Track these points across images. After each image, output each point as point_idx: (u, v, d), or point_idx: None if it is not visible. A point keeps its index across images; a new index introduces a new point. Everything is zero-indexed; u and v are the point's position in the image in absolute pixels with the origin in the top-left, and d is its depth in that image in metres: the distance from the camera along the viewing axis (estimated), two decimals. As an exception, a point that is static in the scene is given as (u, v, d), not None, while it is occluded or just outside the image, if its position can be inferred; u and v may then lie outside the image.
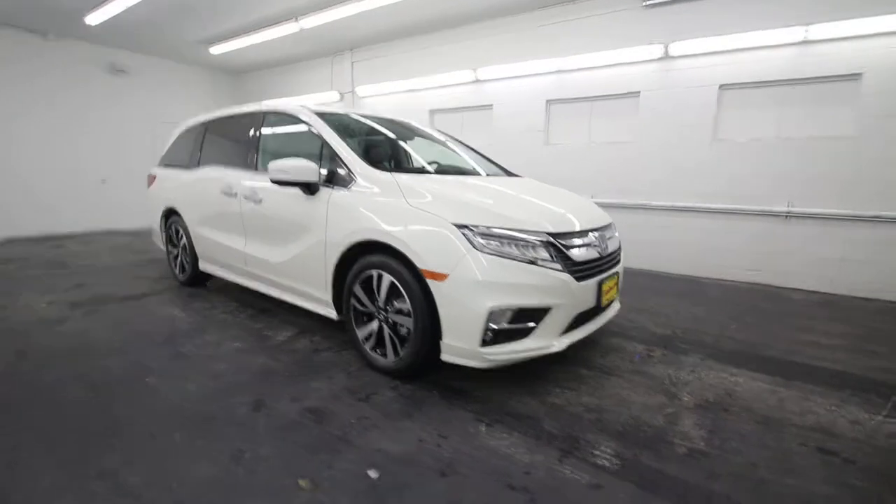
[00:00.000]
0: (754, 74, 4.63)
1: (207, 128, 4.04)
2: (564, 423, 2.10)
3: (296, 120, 3.13)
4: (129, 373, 2.52)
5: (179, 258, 4.38)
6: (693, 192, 5.14)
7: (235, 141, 3.68)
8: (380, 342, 2.53)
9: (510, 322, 2.14)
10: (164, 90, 8.87)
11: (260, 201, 3.14)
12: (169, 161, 4.60)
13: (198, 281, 4.31)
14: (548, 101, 6.00)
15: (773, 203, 4.68)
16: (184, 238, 4.20)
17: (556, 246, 2.23)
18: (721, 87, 4.83)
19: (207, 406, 2.18)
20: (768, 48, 4.50)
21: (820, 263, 4.51)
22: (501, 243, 2.15)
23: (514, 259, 2.14)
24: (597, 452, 1.87)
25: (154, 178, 4.72)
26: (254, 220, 3.25)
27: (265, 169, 3.22)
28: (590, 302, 2.39)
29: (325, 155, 2.86)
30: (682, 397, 2.37)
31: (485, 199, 2.40)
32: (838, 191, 4.37)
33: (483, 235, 2.15)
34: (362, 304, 2.56)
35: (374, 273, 2.44)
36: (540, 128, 6.09)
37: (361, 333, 2.61)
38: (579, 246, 2.35)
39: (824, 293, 4.47)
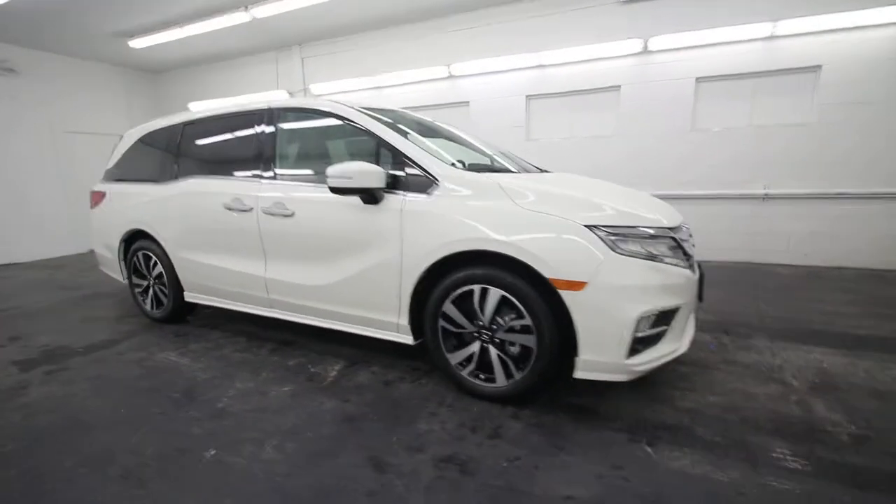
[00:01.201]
0: (728, 67, 4.97)
1: (185, 132, 3.34)
2: (716, 428, 1.98)
3: (326, 116, 2.67)
4: (170, 448, 1.93)
5: (152, 291, 3.60)
6: (676, 180, 5.41)
7: (237, 146, 3.07)
8: (481, 366, 2.22)
9: (651, 327, 1.97)
10: (67, 93, 7.42)
11: (291, 215, 2.63)
12: (124, 174, 3.76)
13: (178, 316, 3.57)
14: (528, 97, 5.95)
15: (751, 187, 5.07)
16: (158, 266, 3.45)
17: (676, 241, 2.11)
18: (698, 79, 5.12)
19: (312, 477, 1.72)
20: (740, 43, 4.84)
21: (795, 239, 4.97)
22: (633, 243, 1.97)
23: (647, 259, 1.97)
24: (776, 455, 1.77)
25: (102, 195, 3.83)
26: (280, 237, 2.72)
27: (288, 177, 2.77)
28: (695, 296, 2.31)
29: (383, 156, 2.47)
30: (791, 382, 2.38)
31: (589, 195, 2.19)
32: (806, 172, 4.85)
33: (616, 236, 1.95)
34: (457, 325, 2.23)
35: (477, 288, 2.13)
36: (520, 123, 6.02)
37: (455, 358, 2.27)
38: (685, 239, 2.25)
39: (804, 266, 4.94)
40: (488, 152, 3.14)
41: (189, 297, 3.39)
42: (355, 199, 2.39)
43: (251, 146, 2.93)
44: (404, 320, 2.39)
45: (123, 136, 3.94)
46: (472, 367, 2.24)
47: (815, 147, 4.77)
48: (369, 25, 6.45)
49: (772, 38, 4.71)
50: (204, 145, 3.27)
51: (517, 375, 2.12)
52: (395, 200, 2.30)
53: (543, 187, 2.19)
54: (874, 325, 3.15)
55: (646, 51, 5.21)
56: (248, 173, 2.90)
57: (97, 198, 3.89)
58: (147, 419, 2.17)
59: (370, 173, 2.21)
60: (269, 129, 2.86)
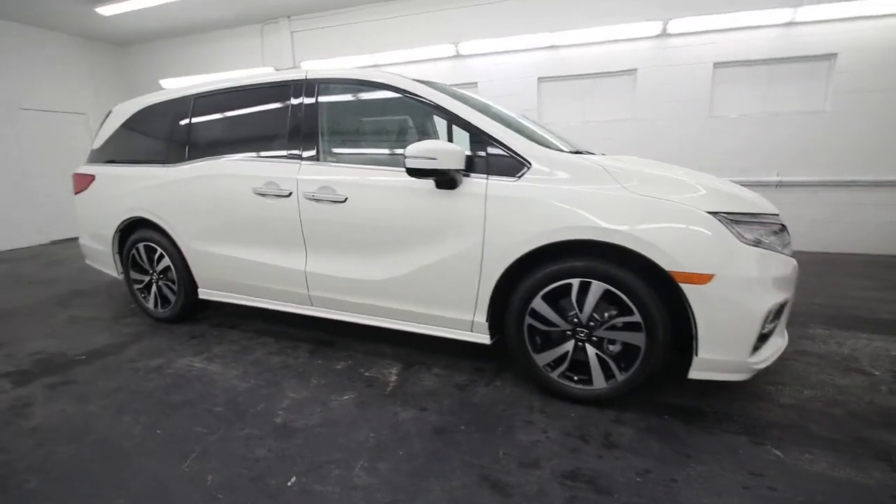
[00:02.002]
0: (745, 53, 4.93)
1: (196, 106, 2.91)
2: (829, 424, 1.87)
3: (381, 89, 2.35)
4: (238, 476, 1.62)
5: (155, 287, 3.17)
6: (691, 166, 5.35)
7: (266, 122, 2.69)
8: (573, 366, 2.03)
9: (770, 321, 1.84)
10: (23, 66, 6.56)
11: (343, 200, 2.31)
12: (117, 155, 3.28)
13: (187, 315, 3.18)
14: (539, 79, 5.73)
15: (765, 174, 5.11)
16: (165, 259, 3.04)
17: (785, 228, 1.98)
18: (715, 64, 5.06)
19: (425, 504, 1.48)
20: (759, 28, 4.81)
21: (810, 226, 5.05)
22: (753, 231, 1.81)
23: (767, 248, 1.82)
24: (910, 454, 1.69)
25: (89, 179, 3.33)
26: (327, 226, 2.40)
27: (337, 158, 2.46)
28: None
29: (450, 135, 2.20)
30: (873, 371, 2.32)
31: (693, 179, 2.01)
32: (818, 160, 4.91)
33: (739, 224, 1.78)
34: (547, 323, 2.02)
35: (575, 282, 1.92)
36: (531, 107, 5.80)
37: (543, 359, 2.07)
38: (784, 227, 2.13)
39: (820, 252, 5.03)
40: (538, 130, 2.92)
41: (204, 293, 3.00)
42: (426, 183, 2.12)
43: (285, 122, 2.57)
44: (481, 317, 2.16)
45: (112, 111, 3.44)
46: (563, 368, 2.04)
47: (827, 135, 4.83)
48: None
49: (791, 24, 4.70)
50: (222, 122, 2.86)
51: (619, 376, 1.94)
52: (475, 184, 2.04)
53: (645, 169, 2.00)
54: (914, 310, 3.20)
55: (664, 34, 5.09)
56: (283, 153, 2.55)
57: (83, 182, 3.39)
58: (195, 441, 1.85)
59: (455, 153, 1.94)
60: (309, 102, 2.50)
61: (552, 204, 1.90)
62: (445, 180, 2.05)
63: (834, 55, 4.67)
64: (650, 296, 1.82)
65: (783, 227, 1.96)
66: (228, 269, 2.80)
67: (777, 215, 1.96)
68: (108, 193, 3.23)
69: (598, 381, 1.98)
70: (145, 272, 3.21)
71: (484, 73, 5.92)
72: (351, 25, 6.38)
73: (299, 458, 1.72)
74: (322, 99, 2.50)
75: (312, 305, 2.62)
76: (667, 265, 1.76)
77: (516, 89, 5.81)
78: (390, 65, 6.27)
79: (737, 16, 4.77)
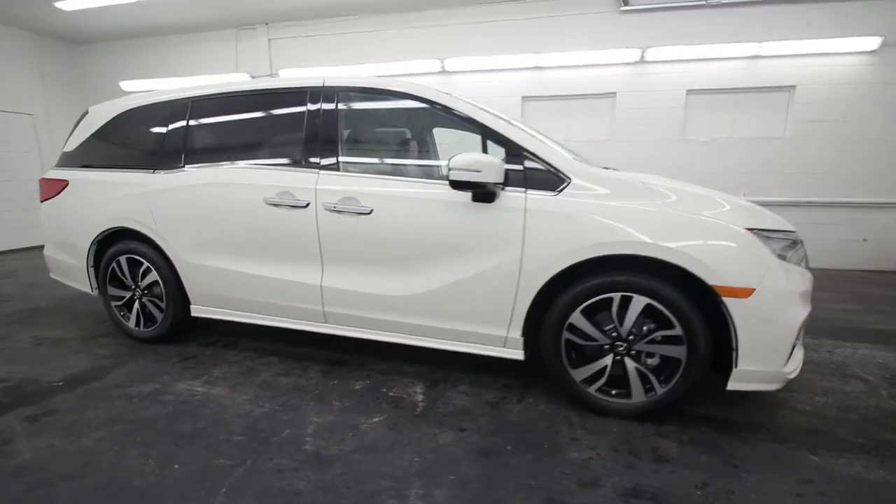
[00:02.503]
0: (714, 82, 5.31)
1: (194, 109, 2.72)
2: (850, 429, 1.98)
3: (407, 99, 2.30)
4: (279, 512, 1.48)
5: (138, 304, 2.89)
6: (665, 186, 5.66)
7: (277, 129, 2.56)
8: (610, 381, 2.03)
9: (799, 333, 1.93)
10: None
11: (367, 213, 2.22)
12: (96, 159, 2.99)
13: (174, 335, 2.91)
14: (524, 98, 5.88)
15: (734, 194, 5.45)
16: (153, 274, 2.78)
17: (802, 244, 2.10)
18: (688, 91, 5.40)
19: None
20: (727, 59, 5.20)
21: (771, 242, 5.43)
22: (784, 247, 1.91)
23: (795, 263, 1.93)
24: (931, 456, 1.81)
25: (61, 185, 3.02)
26: (348, 240, 2.29)
27: (360, 168, 2.38)
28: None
29: (484, 147, 2.18)
30: (867, 377, 2.48)
31: (724, 197, 2.10)
32: (780, 182, 5.33)
33: (771, 239, 1.87)
34: (586, 337, 2.01)
35: (616, 296, 1.93)
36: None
37: (581, 374, 2.05)
38: None
39: (778, 267, 5.40)
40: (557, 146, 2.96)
41: (197, 311, 2.77)
42: (461, 196, 2.08)
43: (300, 130, 2.45)
44: (516, 333, 2.12)
45: (88, 111, 3.15)
46: (601, 382, 2.04)
47: (785, 159, 5.27)
48: (352, 9, 5.95)
49: (755, 57, 5.12)
50: (226, 127, 2.70)
51: (659, 390, 1.96)
52: (514, 198, 2.03)
53: (678, 186, 2.07)
54: (880, 319, 3.48)
55: (642, 60, 5.39)
56: (299, 162, 2.42)
57: (53, 188, 3.06)
58: (221, 475, 1.66)
59: (497, 166, 1.92)
60: (327, 110, 2.40)
61: (595, 219, 1.92)
62: (485, 193, 2.02)
63: (793, 87, 5.13)
64: (692, 310, 1.86)
65: (801, 243, 2.08)
66: (229, 284, 2.60)
67: (794, 231, 2.08)
68: (83, 200, 2.93)
69: (638, 395, 1.99)
70: (126, 288, 2.92)
71: (469, 90, 5.99)
72: (333, 36, 6.28)
73: (345, 488, 1.59)
74: (342, 107, 2.41)
75: (326, 322, 2.48)
76: (711, 280, 1.80)
77: (501, 107, 5.90)
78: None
79: (708, 47, 5.14)
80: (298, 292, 2.45)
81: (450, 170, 1.92)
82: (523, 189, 2.04)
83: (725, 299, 1.80)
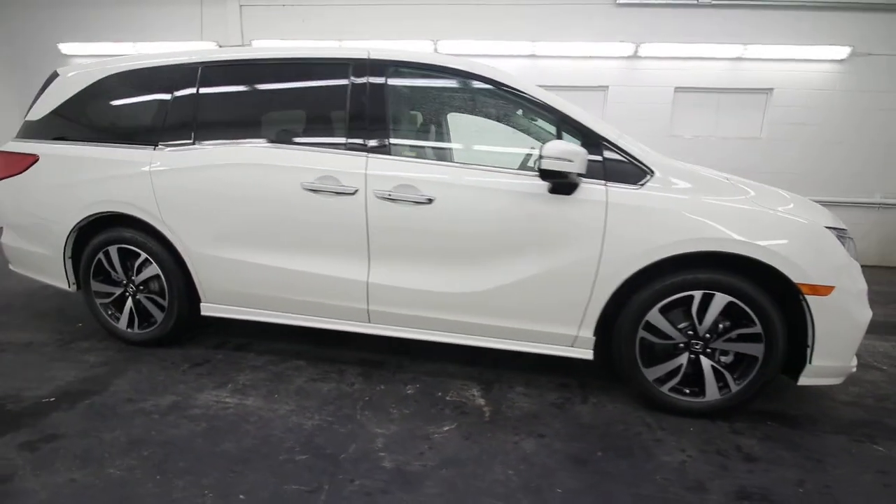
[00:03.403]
0: (701, 80, 5.49)
1: (204, 77, 2.34)
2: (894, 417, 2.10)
3: (468, 78, 2.12)
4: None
5: (131, 302, 2.49)
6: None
7: (312, 105, 2.28)
8: (683, 380, 2.00)
9: (861, 329, 1.99)
10: None
11: (427, 202, 2.01)
12: (72, 132, 2.52)
13: (174, 336, 2.55)
14: (517, 86, 5.77)
15: (713, 190, 5.71)
16: (152, 267, 2.41)
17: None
18: (676, 88, 5.56)
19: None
20: (713, 60, 5.39)
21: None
22: (847, 245, 1.95)
23: (856, 260, 1.98)
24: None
25: (30, 160, 2.51)
26: (403, 231, 2.07)
27: (411, 153, 2.18)
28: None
29: (558, 135, 2.04)
30: (881, 367, 2.67)
31: (780, 191, 2.12)
32: (758, 180, 5.63)
33: (842, 238, 1.91)
34: (663, 336, 1.96)
35: (697, 294, 1.89)
36: (508, 113, 5.83)
37: (654, 373, 2.00)
38: None
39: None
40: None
41: (210, 309, 2.43)
42: (535, 187, 1.94)
43: (341, 107, 2.18)
44: (587, 332, 2.03)
45: (58, 74, 2.64)
46: (675, 381, 2.00)
47: (762, 159, 5.59)
48: (338, -19, 5.54)
49: (739, 59, 5.35)
50: (247, 99, 2.36)
51: (734, 387, 1.95)
52: (594, 191, 1.92)
53: (749, 182, 2.06)
54: (862, 311, 3.78)
55: (635, 55, 5.46)
56: (341, 143, 2.16)
57: (15, 163, 2.55)
58: (298, 503, 1.44)
59: (584, 156, 1.79)
60: (374, 86, 2.14)
61: (682, 214, 1.86)
62: (567, 185, 1.89)
63: (770, 90, 5.42)
64: (772, 308, 1.86)
65: (852, 240, 2.14)
66: (253, 279, 2.29)
67: (846, 230, 2.15)
68: (60, 180, 2.46)
69: (712, 393, 1.98)
70: (115, 283, 2.51)
71: (462, 75, 5.80)
72: (314, 7, 5.81)
73: (454, 514, 1.44)
74: (392, 84, 2.17)
75: (370, 322, 2.26)
76: (796, 278, 1.80)
77: (494, 94, 5.78)
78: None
79: (697, 46, 5.30)
80: (339, 289, 2.21)
81: (541, 158, 1.77)
82: (603, 181, 1.93)
83: (808, 297, 1.82)
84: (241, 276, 2.31)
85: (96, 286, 2.53)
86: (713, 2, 5.18)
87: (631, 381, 2.04)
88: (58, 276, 2.61)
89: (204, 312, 2.45)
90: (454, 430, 1.88)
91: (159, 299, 2.47)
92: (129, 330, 2.54)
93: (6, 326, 2.80)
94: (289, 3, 5.84)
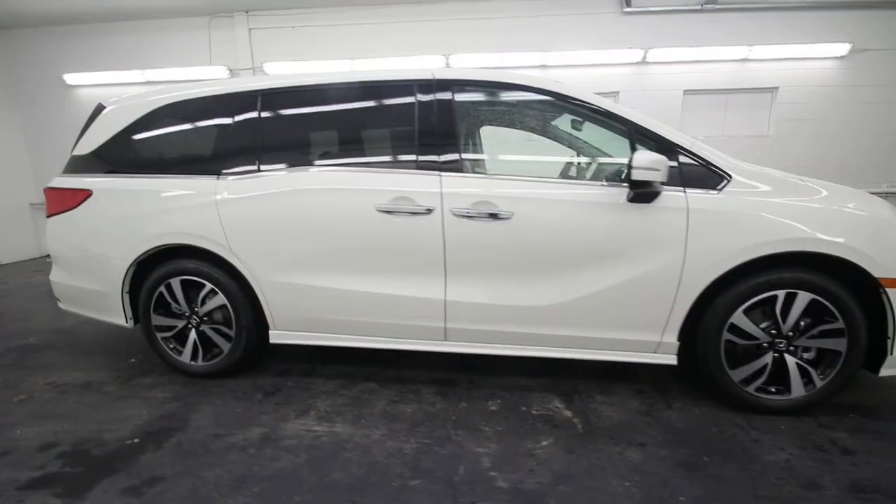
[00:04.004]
0: (708, 82, 5.63)
1: (266, 104, 2.33)
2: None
3: (537, 93, 2.17)
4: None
5: (195, 334, 2.45)
6: (664, 181, 5.93)
7: (377, 128, 2.30)
8: (769, 379, 2.03)
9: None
10: None
11: (507, 217, 2.03)
12: (125, 164, 2.49)
13: (243, 365, 2.51)
14: (529, 96, 5.86)
15: (726, 188, 5.84)
16: (219, 298, 2.37)
17: None
18: (685, 91, 5.69)
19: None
20: (720, 62, 5.54)
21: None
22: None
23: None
24: None
25: (84, 195, 2.47)
26: (483, 248, 2.08)
27: (483, 170, 2.20)
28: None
29: (632, 146, 2.07)
30: None
31: (846, 187, 2.18)
32: (765, 176, 5.78)
33: None
34: (747, 337, 1.99)
35: (781, 294, 1.93)
36: (521, 123, 5.90)
37: (740, 374, 2.03)
38: None
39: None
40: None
41: (279, 336, 2.40)
42: (613, 197, 1.98)
43: (409, 128, 2.20)
44: (671, 337, 2.06)
45: (104, 107, 2.61)
46: (761, 381, 2.03)
47: (770, 155, 5.72)
48: (348, 0, 5.58)
49: (745, 60, 5.50)
50: (309, 124, 2.36)
51: (818, 383, 1.99)
52: (673, 198, 1.95)
53: (820, 181, 2.12)
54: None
55: (644, 61, 5.59)
56: (412, 163, 2.17)
57: (67, 199, 2.51)
58: (431, 530, 1.42)
59: (666, 165, 1.84)
60: (442, 106, 2.16)
61: (765, 217, 1.90)
62: (647, 194, 1.92)
63: (776, 88, 5.58)
64: (854, 303, 1.90)
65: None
66: (326, 304, 2.28)
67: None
68: (118, 213, 2.42)
69: (797, 390, 2.01)
70: (177, 315, 2.47)
71: (474, 87, 5.87)
72: (324, 28, 5.85)
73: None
74: (459, 102, 2.20)
75: (446, 340, 2.25)
76: (876, 272, 1.85)
77: (506, 105, 5.86)
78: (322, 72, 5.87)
79: (704, 49, 5.44)
80: (415, 308, 2.20)
81: (631, 168, 1.80)
82: (681, 188, 1.97)
83: (889, 290, 1.87)
84: (313, 302, 2.30)
85: (157, 320, 2.49)
86: (717, 6, 5.34)
87: (717, 383, 2.06)
88: (113, 313, 2.55)
89: (273, 340, 2.42)
90: (554, 444, 1.87)
91: (225, 329, 2.43)
92: (192, 363, 2.49)
93: (56, 367, 2.73)
94: (298, 24, 5.86)
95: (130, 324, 2.56)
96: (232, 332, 2.43)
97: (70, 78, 6.05)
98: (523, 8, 5.58)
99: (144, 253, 2.40)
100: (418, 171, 2.15)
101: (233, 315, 2.40)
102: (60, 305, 2.74)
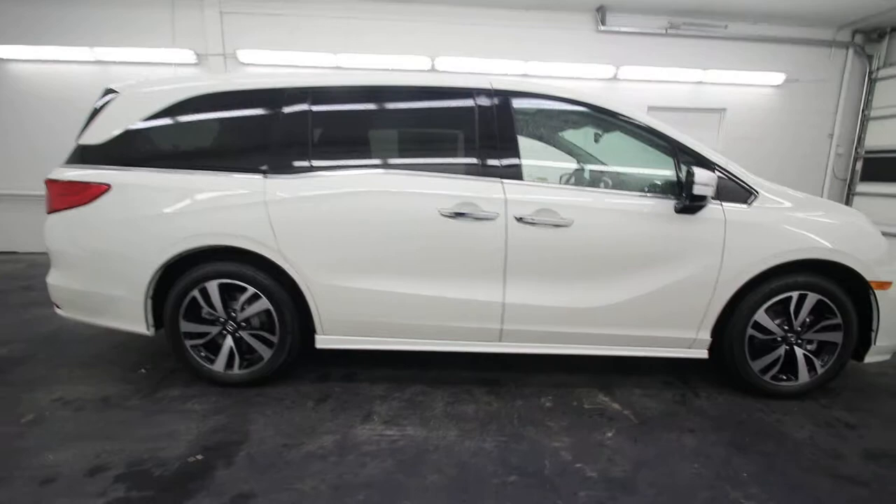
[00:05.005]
0: (669, 101, 6.19)
1: (318, 102, 2.25)
2: (918, 383, 2.65)
3: (596, 111, 2.35)
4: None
5: (231, 341, 2.31)
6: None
7: (436, 132, 2.32)
8: (783, 368, 2.35)
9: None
10: None
11: (567, 224, 2.16)
12: (150, 157, 2.29)
13: (280, 373, 2.41)
14: (510, 103, 6.05)
15: (681, 196, 6.46)
16: (261, 302, 2.26)
17: None
18: (649, 107, 6.20)
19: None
20: (679, 83, 6.11)
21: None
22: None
23: (893, 259, 2.48)
24: (977, 394, 2.52)
25: (100, 189, 2.22)
26: (542, 252, 2.19)
27: (543, 179, 2.33)
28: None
29: (676, 162, 2.28)
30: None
31: (839, 204, 2.57)
32: (713, 187, 6.47)
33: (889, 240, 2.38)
34: (766, 332, 2.29)
35: (795, 294, 2.25)
36: (502, 128, 6.08)
37: (758, 365, 2.33)
38: None
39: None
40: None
41: (326, 341, 2.34)
42: (664, 207, 2.18)
43: (470, 135, 2.27)
44: (705, 334, 2.31)
45: (116, 91, 2.37)
46: (775, 370, 2.35)
47: (718, 168, 6.43)
48: (332, -8, 5.41)
49: (700, 83, 6.12)
50: (365, 125, 2.33)
51: (819, 370, 2.35)
52: (713, 210, 2.20)
53: (817, 197, 2.47)
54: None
55: (615, 77, 6.01)
56: (474, 169, 2.22)
57: (79, 193, 2.24)
58: (549, 521, 1.51)
59: (716, 181, 2.07)
60: (501, 115, 2.24)
61: (787, 228, 2.20)
62: (694, 206, 2.15)
63: (724, 109, 6.27)
64: (849, 302, 2.27)
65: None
66: (381, 307, 2.26)
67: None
68: (143, 211, 2.21)
69: (804, 377, 2.35)
70: (210, 321, 2.31)
71: (458, 91, 5.95)
72: (306, 18, 5.60)
73: (681, 506, 1.60)
74: (519, 111, 2.30)
75: (501, 341, 2.34)
76: (869, 277, 2.23)
77: (488, 110, 6.01)
78: (358, 70, 5.73)
79: (666, 70, 5.97)
80: (473, 311, 2.26)
81: (694, 184, 2.00)
82: (719, 202, 2.23)
83: (877, 291, 2.25)
84: (366, 305, 2.27)
85: (187, 326, 2.31)
86: (678, 32, 5.89)
87: (740, 373, 2.35)
88: (130, 319, 2.32)
89: (319, 345, 2.35)
90: (617, 435, 2.04)
91: (268, 336, 2.32)
92: (227, 371, 2.35)
93: (52, 381, 2.42)
94: (276, 12, 5.57)
95: (151, 331, 2.35)
96: (274, 338, 2.32)
97: (2, 51, 5.25)
98: (507, 18, 5.75)
99: (178, 255, 2.22)
100: (480, 178, 2.21)
101: (277, 320, 2.29)
102: (59, 312, 2.43)
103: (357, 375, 2.55)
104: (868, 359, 2.37)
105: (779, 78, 6.03)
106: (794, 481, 1.75)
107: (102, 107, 2.36)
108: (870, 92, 6.09)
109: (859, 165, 6.29)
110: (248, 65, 5.69)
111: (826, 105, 6.27)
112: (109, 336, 2.99)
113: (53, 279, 2.38)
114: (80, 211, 2.25)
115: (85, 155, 2.32)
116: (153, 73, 5.55)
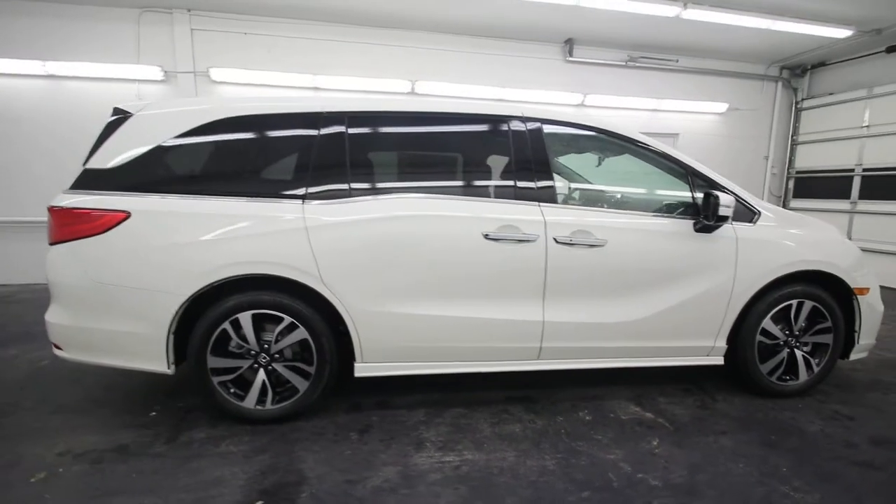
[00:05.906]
0: (631, 126, 6.68)
1: (354, 127, 2.24)
2: None
3: (621, 140, 2.59)
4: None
5: (263, 374, 2.18)
6: (597, 207, 6.82)
7: (472, 158, 2.38)
8: (786, 370, 2.60)
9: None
10: None
11: (602, 245, 2.28)
12: (171, 183, 2.15)
13: (317, 405, 2.30)
14: (487, 126, 6.26)
15: (643, 213, 6.95)
16: (299, 332, 2.17)
17: None
18: (613, 131, 6.65)
19: None
20: (638, 110, 6.64)
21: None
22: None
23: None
24: (932, 382, 2.91)
25: (117, 218, 2.04)
26: (579, 272, 2.30)
27: (577, 201, 2.46)
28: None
29: (692, 185, 2.49)
30: None
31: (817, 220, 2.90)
32: (671, 204, 7.04)
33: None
34: (771, 337, 2.53)
35: (795, 302, 2.51)
36: (479, 150, 6.26)
37: (766, 367, 2.56)
38: None
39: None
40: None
41: (367, 368, 2.27)
42: (685, 227, 2.38)
43: (505, 159, 2.35)
44: (721, 342, 2.51)
45: (128, 111, 2.22)
46: (780, 371, 2.59)
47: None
48: (304, 12, 5.35)
49: (656, 110, 6.69)
50: (404, 149, 2.33)
51: (815, 370, 2.62)
52: (726, 229, 2.42)
53: (802, 215, 2.79)
54: None
55: (583, 104, 6.43)
56: (511, 193, 2.30)
57: (90, 222, 2.05)
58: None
59: (734, 203, 2.30)
60: (534, 141, 2.37)
61: (786, 244, 2.47)
62: (713, 225, 2.35)
63: (677, 134, 6.88)
64: (837, 307, 2.57)
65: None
66: (423, 332, 2.25)
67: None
68: (168, 240, 2.06)
69: (803, 376, 2.61)
70: (239, 355, 2.17)
71: (438, 114, 6.07)
72: (283, 38, 5.50)
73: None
74: (550, 138, 2.42)
75: (539, 358, 2.40)
76: (852, 283, 2.55)
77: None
78: (335, 90, 5.69)
79: (626, 99, 6.49)
80: (514, 331, 2.31)
81: (720, 206, 2.21)
82: (730, 221, 2.46)
83: (859, 297, 2.57)
84: (410, 331, 2.24)
85: (214, 362, 2.15)
86: (636, 65, 6.44)
87: (752, 376, 2.57)
88: (148, 358, 2.13)
89: (358, 374, 2.27)
90: (662, 443, 2.15)
91: (305, 367, 2.22)
92: (257, 408, 2.20)
93: (51, 432, 2.13)
94: (251, 31, 5.42)
95: (172, 370, 2.17)
96: (311, 369, 2.22)
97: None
98: (484, 46, 6.00)
99: (208, 286, 2.08)
100: (518, 201, 2.30)
101: (315, 350, 2.20)
102: (60, 353, 2.17)
103: (390, 402, 2.49)
104: (853, 356, 2.69)
105: (722, 107, 6.73)
106: (825, 471, 1.94)
107: (112, 128, 2.20)
108: (797, 120, 6.97)
109: (791, 184, 7.13)
110: (220, 83, 5.48)
111: (761, 131, 7.08)
112: (96, 376, 2.72)
113: (55, 317, 2.14)
114: (93, 241, 2.06)
115: (93, 180, 2.14)
116: (112, 90, 5.18)
